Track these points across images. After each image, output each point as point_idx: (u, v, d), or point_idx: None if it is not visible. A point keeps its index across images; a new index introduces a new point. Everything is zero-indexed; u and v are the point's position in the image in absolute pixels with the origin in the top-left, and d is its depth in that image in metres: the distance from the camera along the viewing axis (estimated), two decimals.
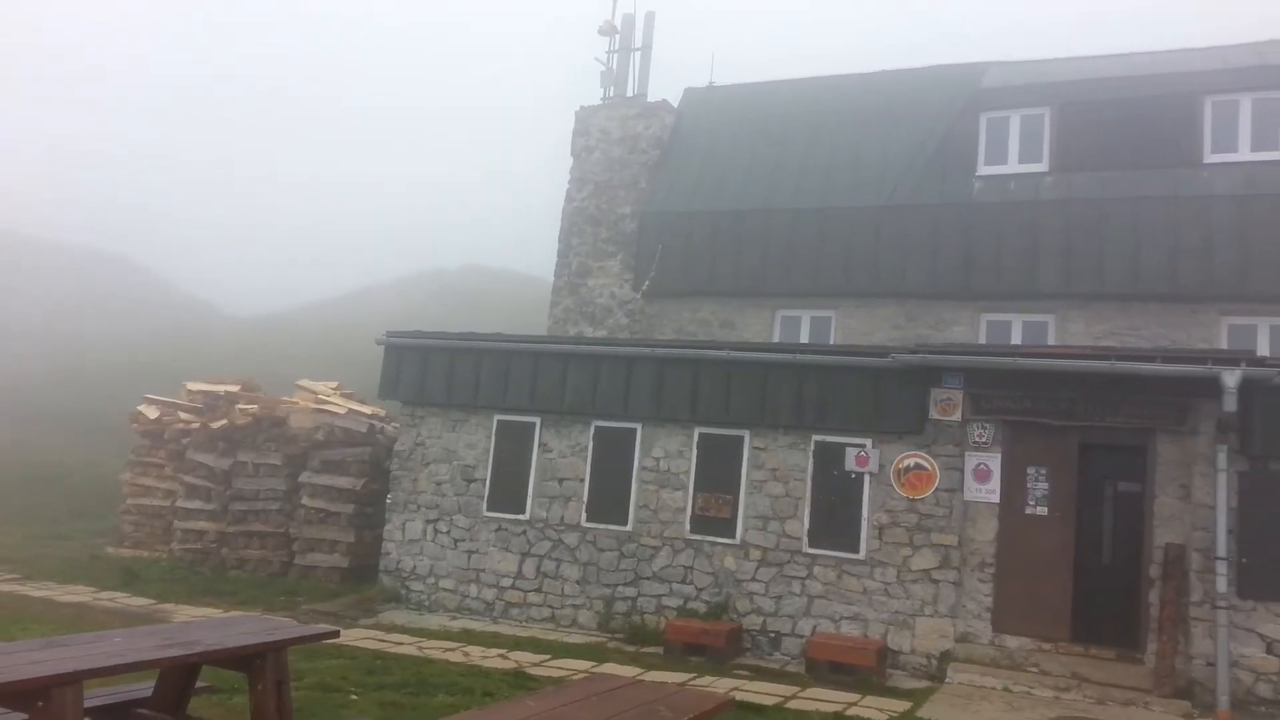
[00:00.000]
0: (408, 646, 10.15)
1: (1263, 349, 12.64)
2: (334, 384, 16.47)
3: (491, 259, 48.44)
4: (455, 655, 9.85)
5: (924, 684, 9.56)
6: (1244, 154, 13.52)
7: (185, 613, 11.25)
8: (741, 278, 16.22)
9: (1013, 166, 14.88)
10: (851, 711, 8.36)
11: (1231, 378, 9.07)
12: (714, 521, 11.53)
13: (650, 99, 18.48)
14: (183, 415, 16.03)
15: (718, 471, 11.64)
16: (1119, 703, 8.93)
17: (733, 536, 11.38)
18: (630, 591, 11.68)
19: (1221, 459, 9.32)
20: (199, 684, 6.02)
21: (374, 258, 52.36)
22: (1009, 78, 15.78)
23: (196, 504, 14.82)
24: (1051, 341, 13.82)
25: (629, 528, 11.86)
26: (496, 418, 12.82)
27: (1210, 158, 13.64)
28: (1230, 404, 9.06)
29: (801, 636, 10.61)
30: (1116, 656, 9.71)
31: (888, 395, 10.93)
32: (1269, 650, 9.03)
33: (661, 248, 16.75)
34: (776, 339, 15.75)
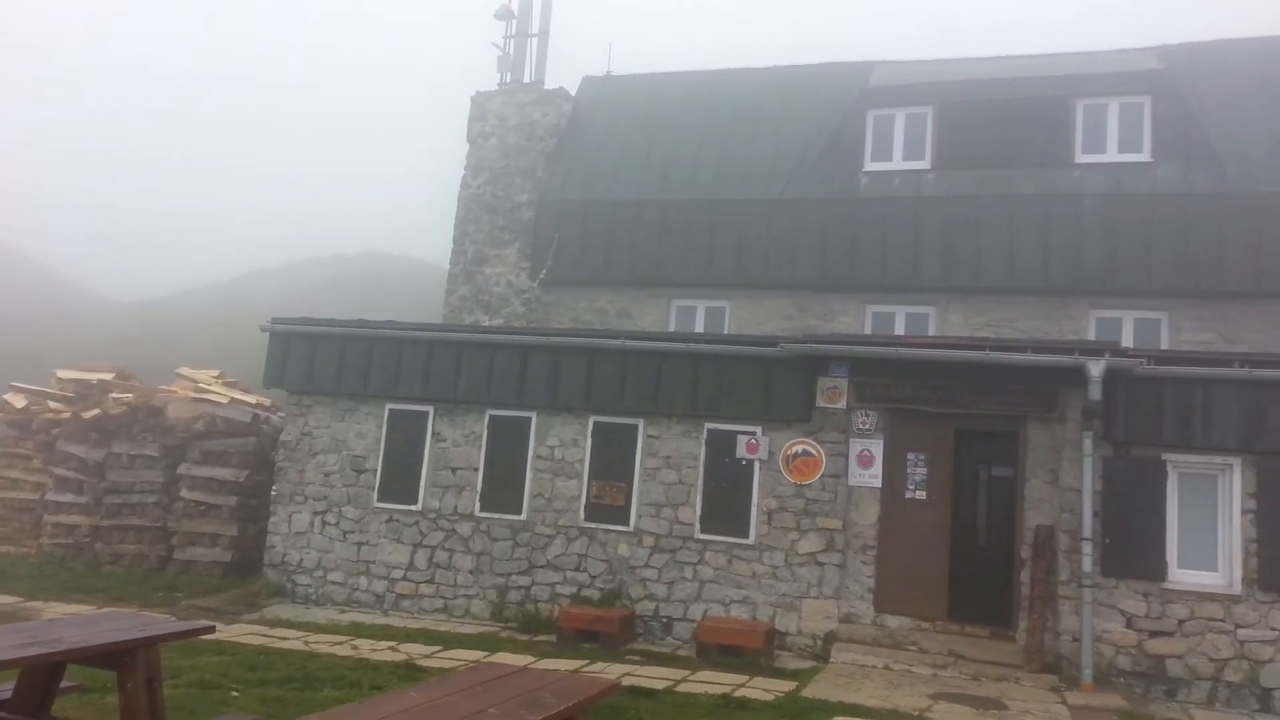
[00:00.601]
0: (293, 641, 9.89)
1: (1127, 340, 13.39)
2: (216, 372, 15.89)
3: (392, 246, 47.38)
4: (343, 649, 9.65)
5: (810, 664, 9.84)
6: (1111, 155, 14.29)
7: (54, 610, 10.70)
8: (638, 268, 16.31)
9: (897, 163, 15.37)
10: (739, 693, 8.53)
11: (1096, 367, 9.61)
12: (608, 509, 11.59)
13: (548, 86, 18.37)
14: (52, 404, 15.23)
15: (612, 460, 11.71)
16: (992, 679, 9.36)
17: (626, 524, 11.47)
18: (524, 580, 11.65)
19: (1087, 444, 9.84)
20: (68, 684, 5.74)
21: (265, 243, 50.60)
22: (894, 77, 16.28)
23: (68, 497, 14.09)
24: (933, 332, 14.35)
25: (523, 517, 11.82)
26: (388, 407, 12.59)
27: (1080, 158, 14.37)
28: (1095, 392, 9.60)
29: (693, 621, 10.78)
30: (990, 634, 10.19)
31: (777, 384, 11.17)
32: (1129, 625, 9.61)
33: (558, 236, 16.71)
34: (672, 328, 15.91)
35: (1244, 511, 9.51)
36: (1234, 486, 9.58)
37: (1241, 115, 13.96)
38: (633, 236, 16.45)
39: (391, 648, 9.79)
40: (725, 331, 15.46)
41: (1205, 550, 9.63)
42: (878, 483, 10.79)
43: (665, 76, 18.53)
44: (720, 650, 9.92)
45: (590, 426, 11.84)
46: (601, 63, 38.15)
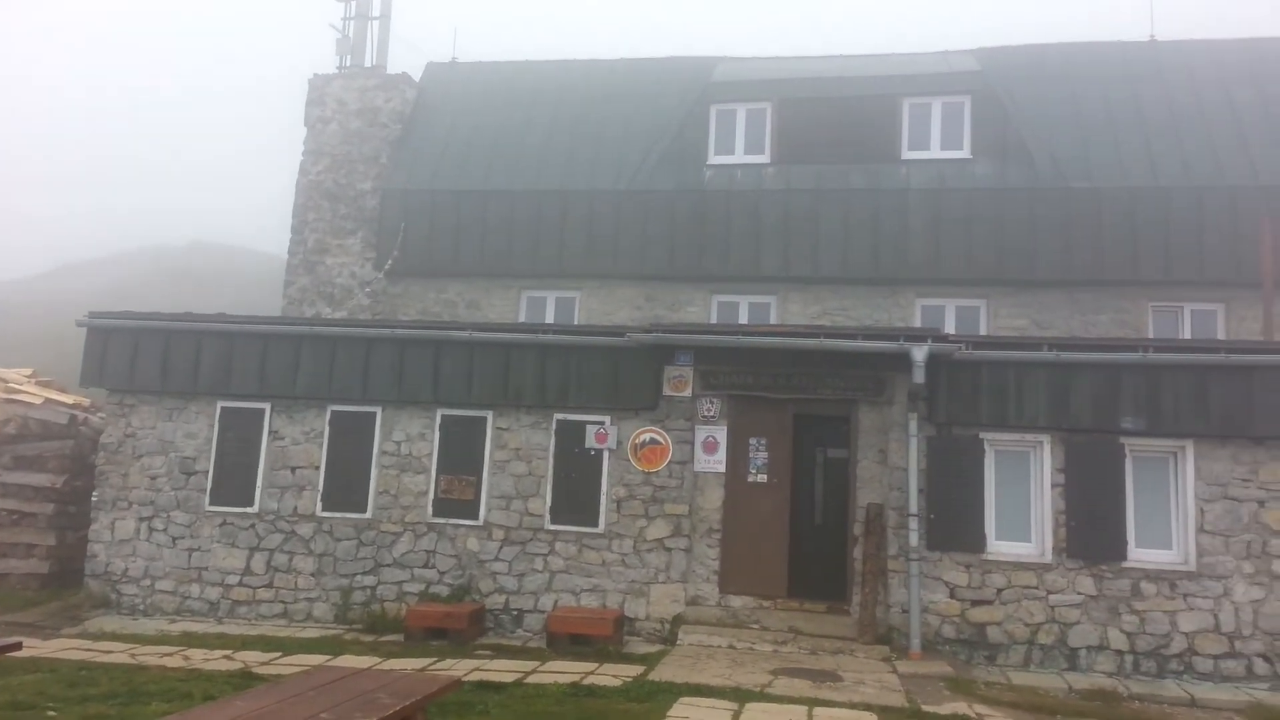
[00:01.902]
0: (119, 654, 9.32)
1: (950, 327, 14.23)
2: (28, 371, 14.73)
3: (226, 236, 44.93)
4: (174, 660, 9.17)
5: (658, 648, 10.03)
6: (935, 152, 15.12)
7: None
8: (487, 258, 16.13)
9: (739, 157, 15.79)
10: (589, 681, 8.61)
11: (920, 353, 10.17)
12: (457, 504, 11.46)
13: (391, 72, 17.88)
14: None
15: (461, 453, 11.57)
16: (829, 652, 9.80)
17: (476, 518, 11.36)
18: (369, 580, 11.37)
19: (913, 425, 10.41)
20: None
21: (86, 236, 47.01)
22: (737, 73, 16.69)
23: None
24: (774, 321, 14.84)
25: (368, 515, 11.53)
26: (220, 404, 12.01)
27: (907, 155, 15.14)
28: (919, 376, 10.16)
29: (544, 612, 10.80)
30: (827, 609, 10.67)
31: (626, 373, 11.31)
32: (952, 595, 10.23)
33: (405, 226, 16.32)
34: (523, 320, 15.84)
35: (1054, 485, 10.27)
36: (1044, 462, 10.34)
37: (1051, 115, 15.04)
38: (482, 227, 16.24)
39: (227, 656, 9.37)
40: (576, 322, 15.52)
41: (1020, 522, 10.35)
42: (722, 468, 11.09)
43: (513, 65, 18.36)
44: (571, 640, 9.98)
45: (438, 420, 11.65)
46: (446, 49, 37.45)
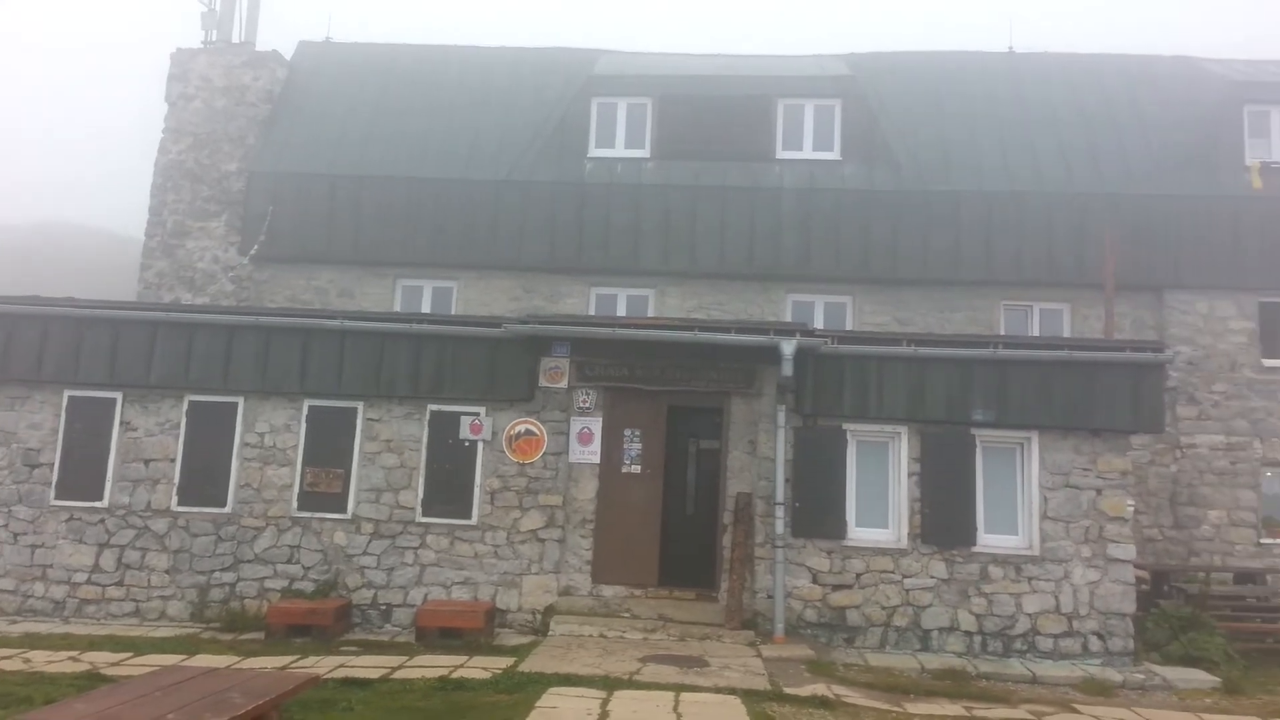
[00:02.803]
0: None
1: (819, 322, 14.70)
2: None
3: (76, 216, 42.22)
4: (13, 663, 8.63)
5: (529, 639, 10.03)
6: (807, 153, 15.58)
7: None
8: (361, 246, 15.75)
9: (620, 151, 15.88)
10: (458, 674, 8.54)
11: (789, 346, 10.47)
12: (324, 497, 11.16)
13: (260, 49, 17.20)
14: None
15: (329, 445, 11.27)
16: (697, 638, 10.00)
17: (344, 511, 11.09)
18: (228, 577, 10.95)
19: (781, 417, 10.71)
20: None
21: None
22: (618, 67, 16.77)
23: None
24: (652, 314, 15.00)
25: (228, 509, 11.11)
26: (67, 394, 11.34)
27: (781, 154, 15.54)
28: (788, 369, 10.46)
29: (413, 606, 10.64)
30: (696, 597, 10.89)
31: (501, 364, 11.23)
32: (814, 580, 10.59)
33: (273, 210, 15.75)
34: (398, 309, 15.52)
35: (910, 474, 10.74)
36: (902, 452, 10.81)
37: (915, 120, 15.69)
38: (356, 213, 15.84)
39: (73, 658, 8.88)
40: (453, 312, 15.31)
41: (879, 510, 10.78)
42: (597, 459, 11.16)
43: (390, 48, 17.94)
44: (441, 633, 9.87)
45: (305, 411, 11.32)
46: (320, 28, 36.20)
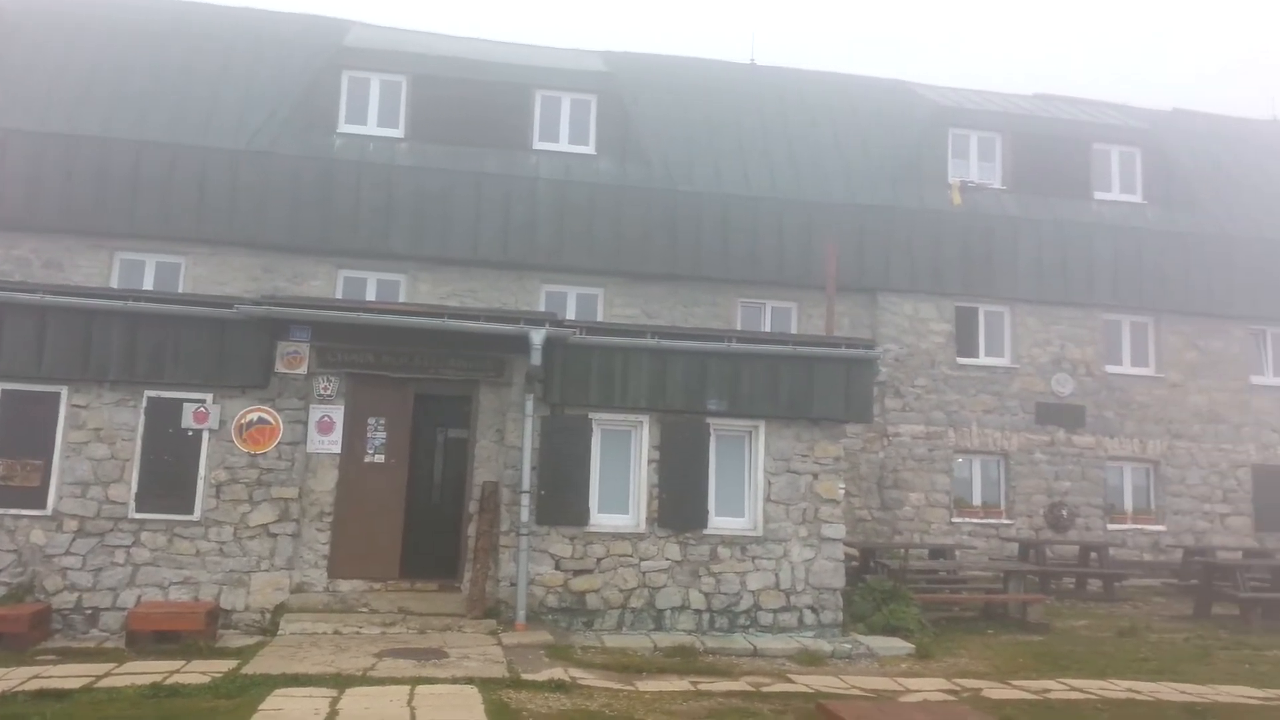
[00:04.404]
0: None
1: (571, 313, 14.98)
2: None
3: None
4: None
5: (256, 640, 9.51)
6: (563, 145, 15.80)
7: None
8: (73, 213, 14.28)
9: (372, 128, 15.37)
10: (173, 680, 7.97)
11: (538, 336, 10.58)
12: (19, 491, 10.03)
13: None
14: None
15: (25, 434, 10.14)
16: (438, 630, 9.91)
17: (43, 507, 10.02)
18: None
19: (529, 406, 10.81)
20: None
21: None
22: (371, 40, 16.20)
23: None
24: (403, 299, 14.67)
25: None
26: None
27: (538, 145, 15.67)
28: (537, 358, 10.57)
29: (125, 609, 9.79)
30: (439, 588, 10.79)
31: (232, 348, 10.55)
32: (558, 567, 10.79)
33: None
34: (115, 285, 14.18)
35: (650, 461, 11.18)
36: (643, 440, 11.23)
37: (665, 121, 16.32)
38: (66, 176, 14.33)
39: None
40: (181, 291, 14.19)
41: (620, 496, 11.15)
42: (337, 449, 10.76)
43: (115, 2, 16.26)
44: (156, 637, 9.17)
45: None
46: None
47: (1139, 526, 17.10)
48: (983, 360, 16.76)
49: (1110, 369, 17.34)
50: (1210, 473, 17.35)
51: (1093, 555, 15.06)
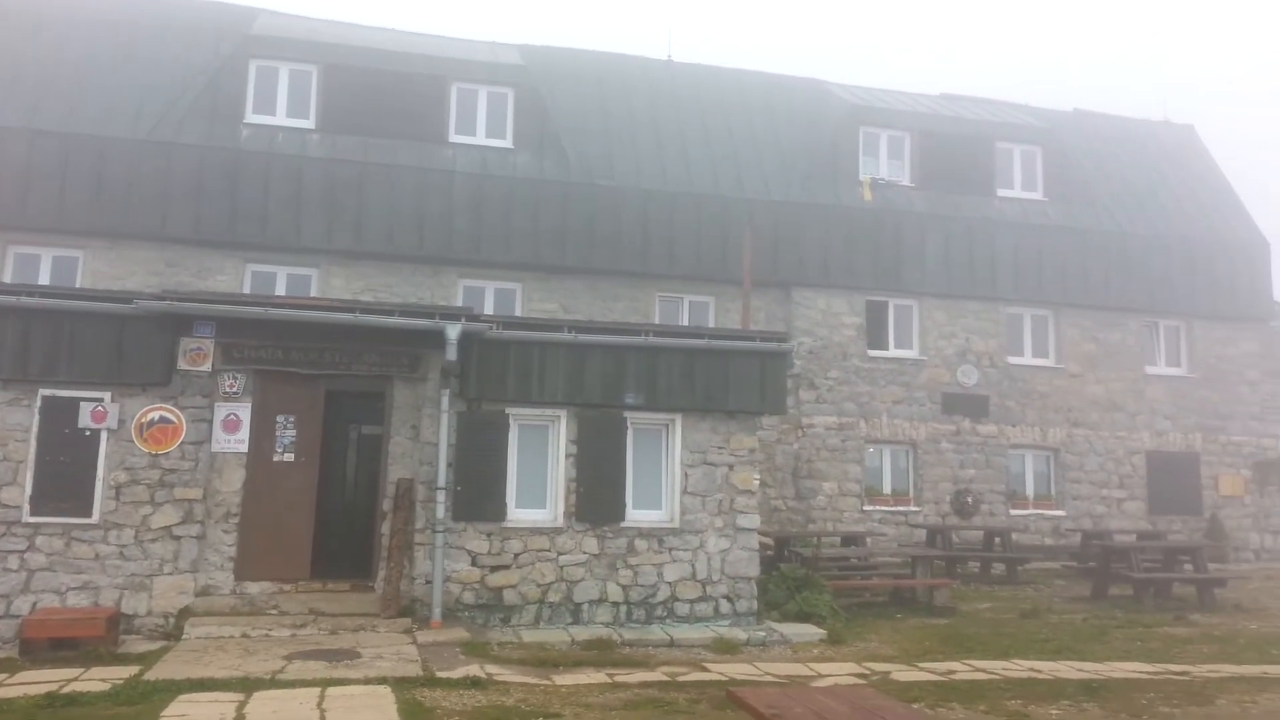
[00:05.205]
0: None
1: (489, 308, 14.87)
2: None
3: None
4: None
5: (160, 645, 9.22)
6: (480, 139, 15.65)
7: None
8: None
9: (281, 119, 14.99)
10: (70, 688, 7.68)
11: (454, 331, 10.47)
12: None
13: None
14: None
15: None
16: (350, 630, 9.74)
17: None
18: None
19: (445, 401, 10.68)
20: None
21: None
22: (280, 29, 15.79)
23: None
24: (315, 294, 14.36)
25: None
26: None
27: (454, 138, 15.49)
28: (452, 353, 10.46)
29: (18, 617, 9.38)
30: (352, 587, 10.61)
31: (132, 345, 10.18)
32: (474, 563, 10.71)
33: None
34: (8, 280, 13.55)
35: (568, 455, 11.18)
36: (561, 434, 11.22)
37: (583, 115, 16.31)
38: None
39: None
40: (79, 285, 13.64)
41: (538, 491, 11.12)
42: (244, 447, 10.48)
43: None
44: (52, 645, 8.80)
45: None
46: None
47: (1040, 511, 17.79)
48: (892, 352, 17.20)
49: (1013, 360, 17.98)
50: (1107, 459, 18.14)
51: (996, 540, 15.61)
